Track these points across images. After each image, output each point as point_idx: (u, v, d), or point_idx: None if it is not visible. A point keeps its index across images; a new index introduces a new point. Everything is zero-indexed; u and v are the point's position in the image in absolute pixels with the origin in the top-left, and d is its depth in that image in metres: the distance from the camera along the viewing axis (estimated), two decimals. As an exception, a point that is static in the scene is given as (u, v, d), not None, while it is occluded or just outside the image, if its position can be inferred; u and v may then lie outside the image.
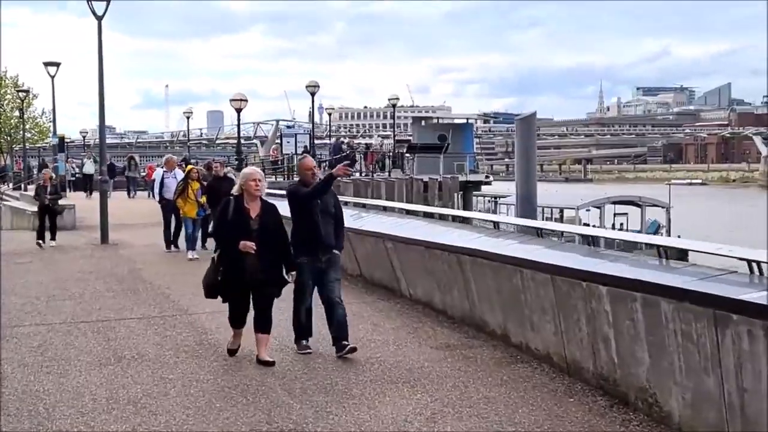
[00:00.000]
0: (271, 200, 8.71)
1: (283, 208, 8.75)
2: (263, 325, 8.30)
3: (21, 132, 51.75)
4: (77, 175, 44.65)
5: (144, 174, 42.94)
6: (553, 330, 7.68)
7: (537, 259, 7.78)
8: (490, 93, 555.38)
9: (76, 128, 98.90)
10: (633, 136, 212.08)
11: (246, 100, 29.75)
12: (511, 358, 8.40)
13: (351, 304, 10.92)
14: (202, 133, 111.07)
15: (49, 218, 20.62)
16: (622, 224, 46.77)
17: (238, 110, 29.54)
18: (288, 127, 65.56)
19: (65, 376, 8.09)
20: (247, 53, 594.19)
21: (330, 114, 53.37)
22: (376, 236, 12.29)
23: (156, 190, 19.98)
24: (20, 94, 50.53)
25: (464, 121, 48.63)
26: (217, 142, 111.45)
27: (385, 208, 17.41)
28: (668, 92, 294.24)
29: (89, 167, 41.40)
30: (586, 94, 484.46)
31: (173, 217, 18.54)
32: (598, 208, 46.58)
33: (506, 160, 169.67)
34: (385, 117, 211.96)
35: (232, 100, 29.51)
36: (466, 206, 46.20)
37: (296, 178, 9.40)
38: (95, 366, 8.47)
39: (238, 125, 30.17)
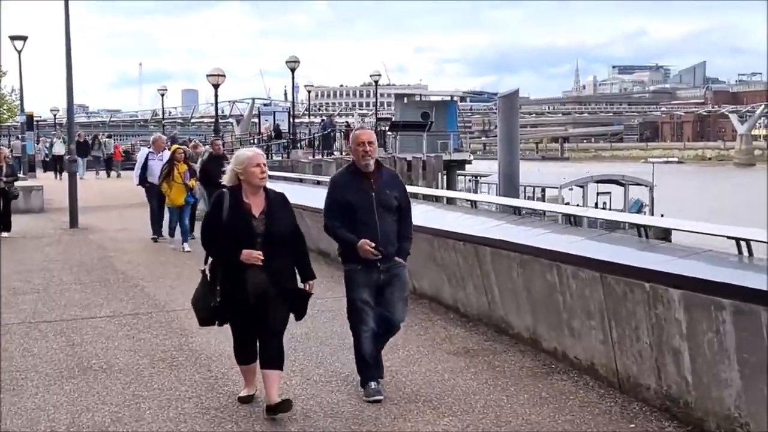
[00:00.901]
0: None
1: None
2: (272, 357, 6.08)
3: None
4: (48, 156, 43.05)
5: (110, 153, 41.27)
6: (600, 338, 6.47)
7: (582, 254, 6.55)
8: (467, 72, 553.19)
9: (49, 107, 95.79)
10: (611, 114, 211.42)
11: (224, 76, 28.22)
12: (545, 367, 7.19)
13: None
14: (172, 112, 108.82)
15: (3, 204, 18.08)
16: (605, 203, 46.27)
17: (216, 86, 28.02)
18: (265, 105, 64.28)
19: (19, 394, 6.80)
20: (222, 32, 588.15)
21: (309, 91, 51.95)
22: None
23: (136, 171, 17.50)
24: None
25: (448, 98, 47.28)
26: (192, 120, 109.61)
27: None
28: (644, 71, 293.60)
29: (59, 147, 39.63)
30: (562, 73, 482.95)
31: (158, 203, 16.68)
32: (581, 187, 45.96)
33: (483, 138, 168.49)
34: (360, 96, 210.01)
35: (209, 76, 27.98)
36: (450, 186, 45.11)
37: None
38: (56, 379, 7.19)
39: (216, 102, 28.67)
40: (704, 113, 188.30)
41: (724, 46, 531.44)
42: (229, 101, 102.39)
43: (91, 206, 22.95)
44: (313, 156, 36.76)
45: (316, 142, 38.77)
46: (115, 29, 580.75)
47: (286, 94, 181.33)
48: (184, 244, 15.05)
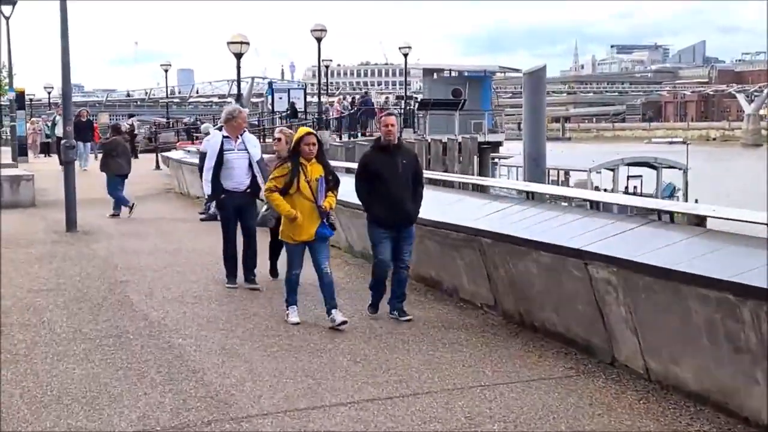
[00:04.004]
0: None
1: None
2: None
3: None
4: (49, 138, 38.33)
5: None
6: None
7: None
8: (460, 51, 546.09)
9: (43, 86, 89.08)
10: (616, 93, 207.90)
11: (247, 43, 23.71)
12: None
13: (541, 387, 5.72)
14: (175, 91, 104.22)
15: None
16: (635, 187, 43.27)
17: (238, 55, 23.64)
18: (270, 84, 60.61)
19: None
20: (214, 11, 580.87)
21: (327, 66, 47.59)
22: (561, 254, 6.83)
23: (207, 173, 10.15)
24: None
25: (481, 73, 42.99)
26: (190, 100, 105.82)
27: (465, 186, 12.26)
28: (643, 50, 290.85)
29: (60, 129, 34.71)
30: (557, 53, 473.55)
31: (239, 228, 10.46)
32: (611, 170, 42.82)
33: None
34: (358, 75, 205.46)
35: (230, 43, 23.43)
36: (483, 171, 41.11)
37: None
38: None
39: (238, 74, 24.11)
40: (711, 93, 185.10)
41: (719, 26, 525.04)
42: (227, 80, 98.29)
43: (94, 199, 18.79)
44: (340, 138, 32.65)
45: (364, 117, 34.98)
46: (111, 6, 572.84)
47: (282, 73, 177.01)
48: (333, 311, 8.16)
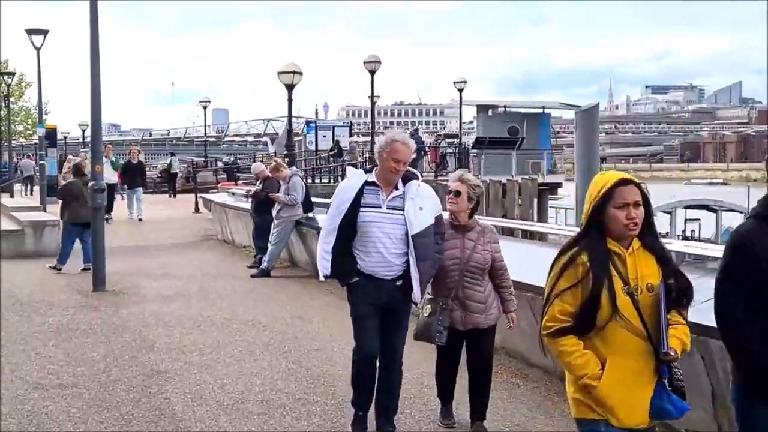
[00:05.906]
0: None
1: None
2: None
3: (5, 123, 43.50)
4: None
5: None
6: None
7: None
8: (492, 91, 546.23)
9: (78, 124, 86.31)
10: (655, 134, 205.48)
11: (300, 73, 21.06)
12: None
13: None
14: (211, 130, 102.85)
15: None
16: (693, 231, 40.79)
17: (289, 86, 21.00)
18: (308, 122, 58.63)
19: None
20: (247, 49, 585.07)
21: (374, 102, 45.03)
22: None
23: (323, 243, 5.83)
24: (4, 77, 41.86)
25: (539, 110, 40.34)
26: (225, 139, 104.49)
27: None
28: (678, 90, 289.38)
29: (108, 171, 26.14)
30: (591, 93, 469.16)
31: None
32: (667, 213, 40.25)
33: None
34: (391, 115, 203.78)
35: (281, 73, 20.76)
36: (542, 216, 38.30)
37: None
38: None
39: (290, 106, 21.44)
40: (752, 133, 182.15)
41: (753, 67, 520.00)
42: (263, 119, 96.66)
43: (127, 247, 16.36)
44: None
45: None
46: (144, 47, 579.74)
47: (316, 112, 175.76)
48: None
